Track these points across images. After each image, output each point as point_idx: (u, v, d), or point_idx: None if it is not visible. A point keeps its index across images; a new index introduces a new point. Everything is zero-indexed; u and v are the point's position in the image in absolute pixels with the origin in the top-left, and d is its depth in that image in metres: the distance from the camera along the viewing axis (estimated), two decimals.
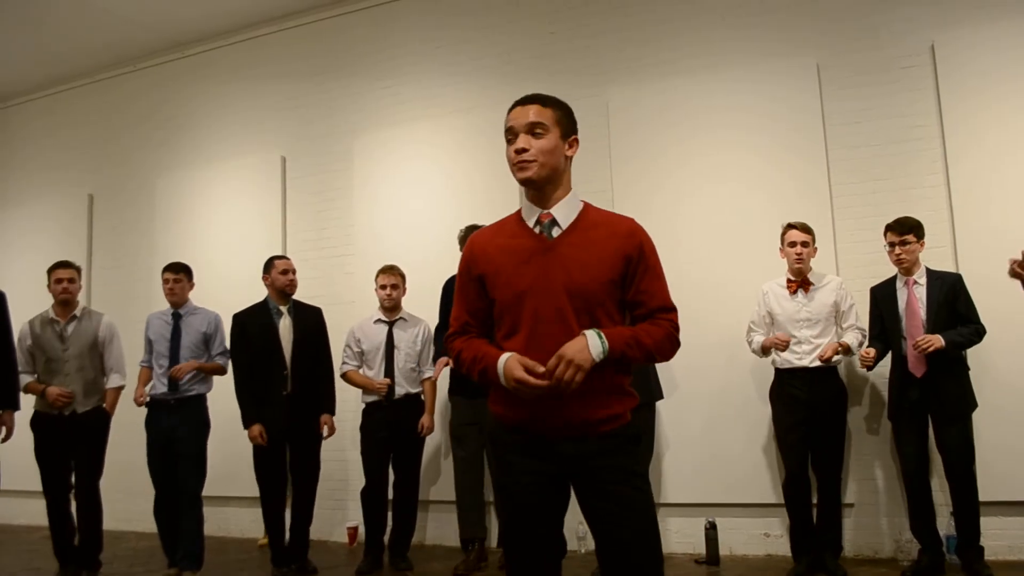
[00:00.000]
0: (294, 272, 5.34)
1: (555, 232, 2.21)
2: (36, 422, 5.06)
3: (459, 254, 5.49)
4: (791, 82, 5.34)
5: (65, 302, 5.19)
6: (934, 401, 4.32)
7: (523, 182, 2.21)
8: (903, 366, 4.43)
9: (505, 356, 2.12)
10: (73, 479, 5.06)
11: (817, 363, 4.53)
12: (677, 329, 2.23)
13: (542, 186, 2.21)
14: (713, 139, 5.49)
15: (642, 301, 2.20)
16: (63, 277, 5.17)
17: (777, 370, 4.72)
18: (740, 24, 5.58)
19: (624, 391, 2.22)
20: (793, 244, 4.67)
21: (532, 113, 2.19)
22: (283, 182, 6.98)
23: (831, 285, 4.69)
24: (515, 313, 2.19)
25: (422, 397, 5.35)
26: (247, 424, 5.05)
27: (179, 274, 5.28)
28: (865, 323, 4.67)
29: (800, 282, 4.70)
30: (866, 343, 4.59)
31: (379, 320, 5.39)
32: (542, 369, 2.05)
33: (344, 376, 5.37)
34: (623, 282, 2.19)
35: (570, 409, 2.13)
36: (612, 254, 2.17)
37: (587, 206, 2.28)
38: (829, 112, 5.25)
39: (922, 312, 4.39)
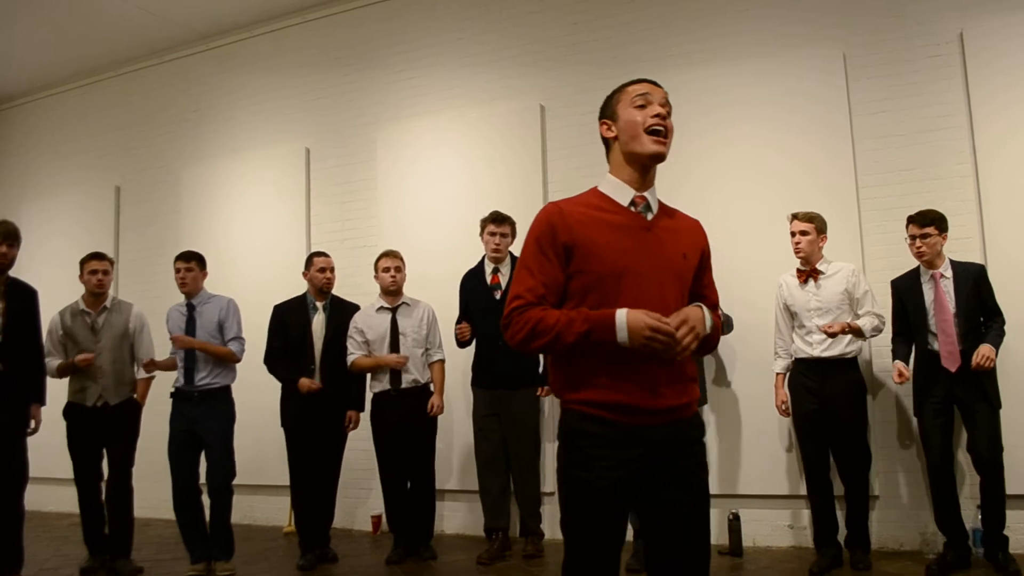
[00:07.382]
0: (332, 270, 5.39)
1: (649, 216, 2.17)
2: (69, 413, 5.02)
3: (479, 244, 5.55)
4: (817, 72, 5.29)
5: (98, 294, 5.11)
6: (966, 395, 4.27)
7: (654, 157, 2.15)
8: (931, 362, 4.37)
9: (624, 310, 1.97)
10: (105, 469, 5.06)
11: (829, 353, 4.50)
12: None
13: (652, 168, 2.19)
14: (736, 130, 5.45)
15: (705, 295, 2.24)
16: (97, 268, 5.10)
17: (795, 359, 4.70)
18: (765, 15, 5.53)
19: (695, 378, 2.19)
20: (793, 234, 4.64)
21: (665, 96, 2.18)
22: (307, 173, 7.02)
23: (841, 273, 4.60)
24: (608, 289, 2.04)
25: (431, 388, 5.30)
26: (292, 383, 5.14)
27: (190, 263, 5.14)
28: (882, 309, 4.59)
29: (809, 272, 4.65)
30: (881, 328, 4.52)
31: (381, 308, 5.34)
32: (674, 321, 1.95)
33: (352, 365, 5.24)
34: (695, 274, 2.22)
35: (667, 389, 2.05)
36: (694, 245, 2.23)
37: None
38: (855, 102, 5.20)
39: (952, 306, 4.33)
